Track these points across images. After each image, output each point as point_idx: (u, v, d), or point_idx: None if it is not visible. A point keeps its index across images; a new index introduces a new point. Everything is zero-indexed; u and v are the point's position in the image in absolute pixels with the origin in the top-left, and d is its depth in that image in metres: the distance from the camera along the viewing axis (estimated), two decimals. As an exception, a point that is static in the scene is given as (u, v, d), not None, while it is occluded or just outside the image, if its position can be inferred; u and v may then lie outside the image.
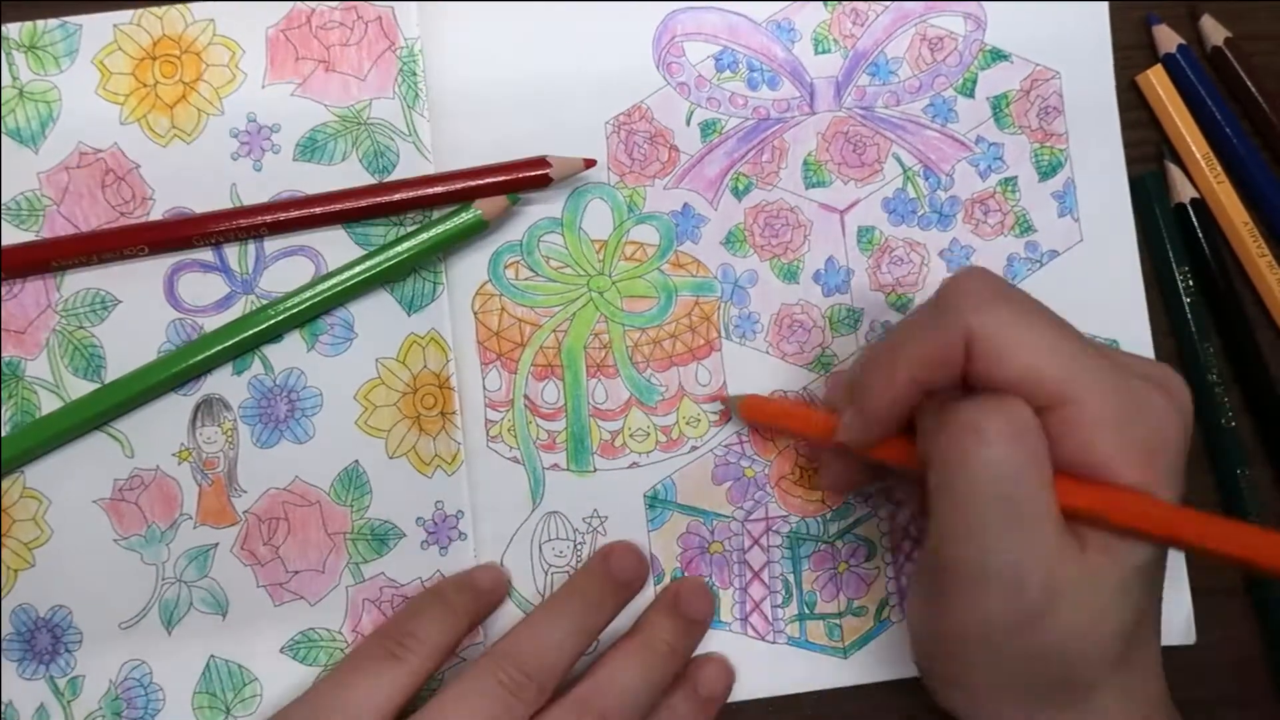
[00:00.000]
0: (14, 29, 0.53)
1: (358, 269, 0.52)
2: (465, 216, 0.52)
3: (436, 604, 0.49)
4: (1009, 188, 0.55)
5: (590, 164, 0.52)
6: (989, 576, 0.39)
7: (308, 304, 0.51)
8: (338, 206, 0.52)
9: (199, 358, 0.51)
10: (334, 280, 0.52)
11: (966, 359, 0.40)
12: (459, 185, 0.52)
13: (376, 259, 0.52)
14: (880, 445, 0.44)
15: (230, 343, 0.51)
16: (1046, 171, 0.55)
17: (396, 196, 0.52)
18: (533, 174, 0.52)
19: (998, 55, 0.55)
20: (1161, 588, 0.43)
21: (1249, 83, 0.55)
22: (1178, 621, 0.54)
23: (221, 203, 0.53)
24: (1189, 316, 0.55)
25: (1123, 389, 0.39)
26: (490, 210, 0.52)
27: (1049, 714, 0.42)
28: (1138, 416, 0.38)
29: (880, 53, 0.55)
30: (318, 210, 0.52)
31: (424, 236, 0.52)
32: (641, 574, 0.51)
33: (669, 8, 0.54)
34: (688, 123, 0.54)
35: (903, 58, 0.55)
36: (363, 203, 0.52)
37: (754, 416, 0.52)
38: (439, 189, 0.52)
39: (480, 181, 0.52)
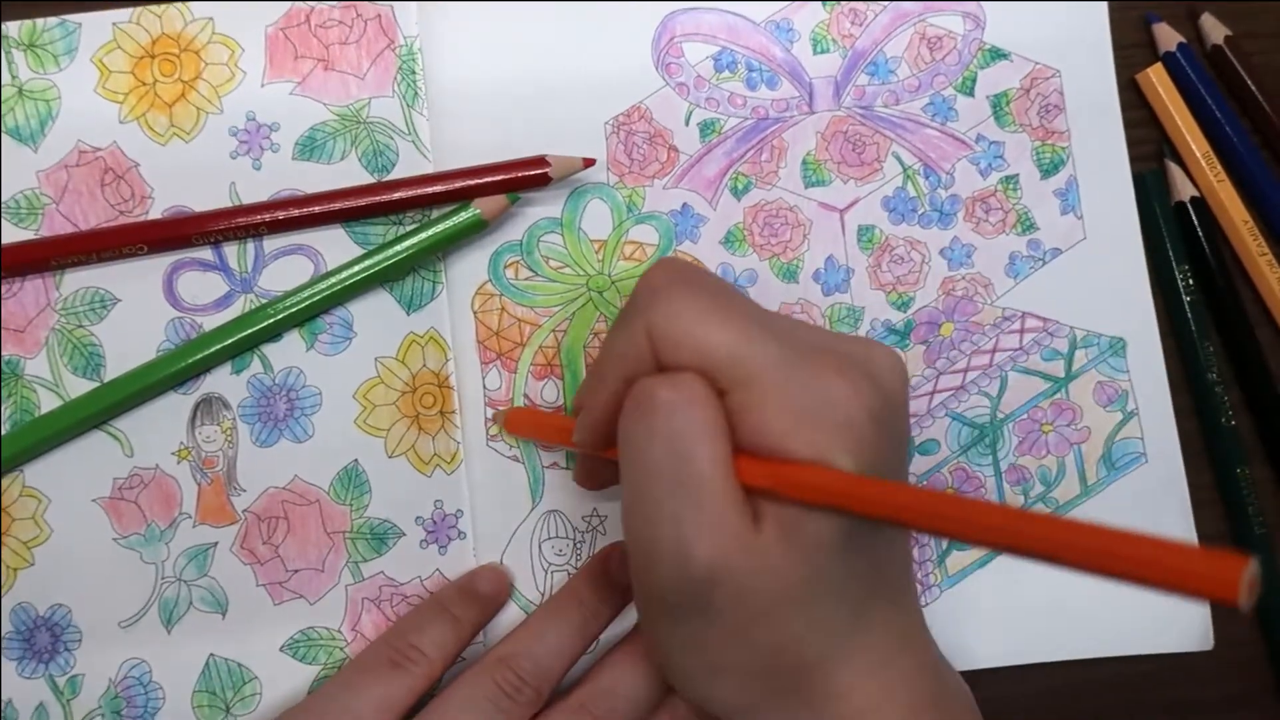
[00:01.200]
0: (13, 27, 0.53)
1: (357, 268, 0.51)
2: (464, 215, 0.51)
3: (440, 614, 0.49)
4: (1010, 186, 0.55)
5: (589, 163, 0.52)
6: (656, 547, 0.39)
7: (307, 303, 0.51)
8: (337, 205, 0.52)
9: (198, 356, 0.51)
10: (333, 279, 0.51)
11: (655, 352, 0.40)
12: (458, 184, 0.52)
13: (375, 258, 0.51)
14: (610, 447, 0.43)
15: (229, 341, 0.51)
16: (1048, 169, 0.55)
17: (396, 195, 0.52)
18: (532, 173, 0.52)
19: (997, 54, 0.55)
20: (894, 553, 0.42)
21: (1249, 81, 0.55)
22: (1196, 627, 0.53)
23: (221, 201, 0.53)
24: (1189, 315, 0.55)
25: (794, 368, 0.38)
26: (489, 209, 0.52)
27: (775, 699, 0.41)
28: (809, 396, 0.38)
29: (879, 52, 0.55)
30: (317, 209, 0.52)
31: (423, 235, 0.51)
32: None
33: (668, 8, 0.54)
34: (687, 123, 0.54)
35: (902, 57, 0.55)
36: (362, 201, 0.52)
37: (517, 431, 0.52)
38: (438, 188, 0.52)
39: (479, 181, 0.52)
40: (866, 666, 0.40)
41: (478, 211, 0.51)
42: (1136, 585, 0.30)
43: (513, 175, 0.52)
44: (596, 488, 0.52)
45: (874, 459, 0.38)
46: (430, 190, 0.52)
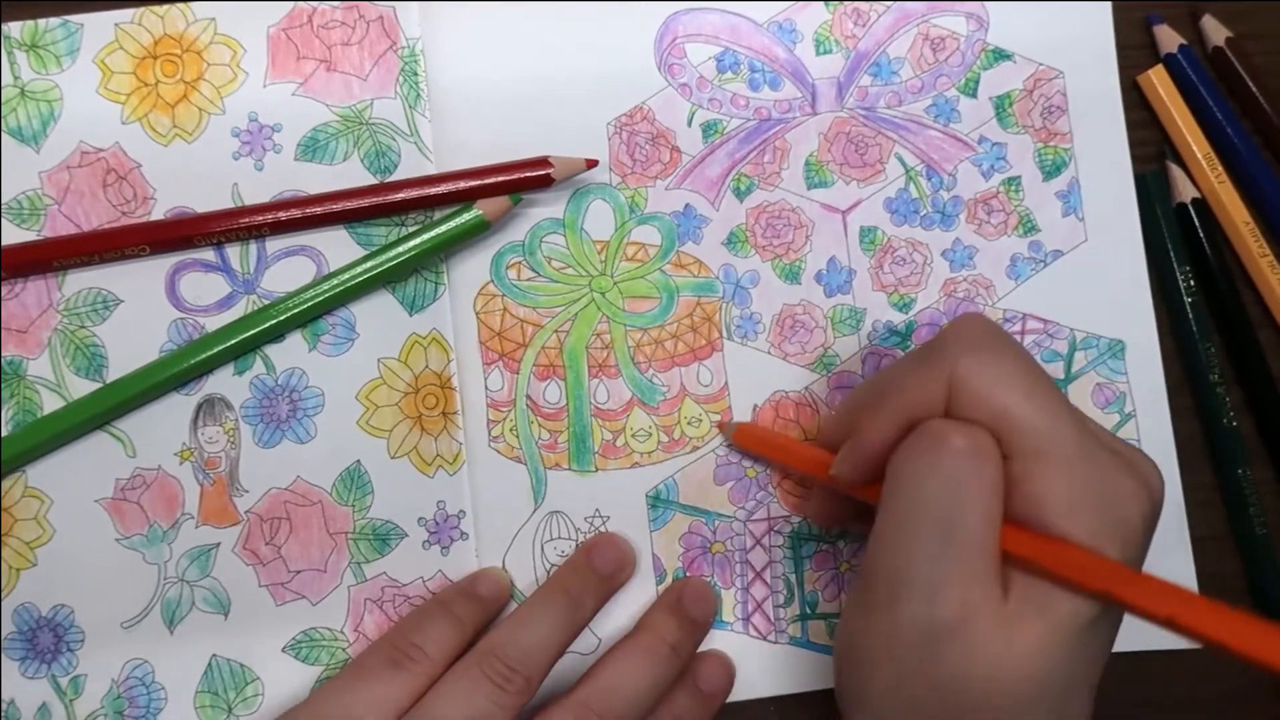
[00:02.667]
0: (15, 28, 0.53)
1: (359, 269, 0.51)
2: (467, 217, 0.51)
3: (441, 615, 0.49)
4: (1012, 187, 0.54)
5: (592, 164, 0.52)
6: (905, 584, 0.39)
7: (309, 304, 0.51)
8: (340, 206, 0.51)
9: (200, 357, 0.51)
10: (336, 280, 0.51)
11: (949, 400, 0.40)
12: (461, 185, 0.51)
13: (378, 259, 0.51)
14: (871, 484, 0.43)
15: (232, 342, 0.51)
16: (1050, 171, 0.55)
17: (398, 196, 0.51)
18: (535, 174, 0.52)
19: (1000, 55, 0.55)
20: (1103, 657, 0.42)
21: (1250, 83, 0.55)
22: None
23: (223, 202, 0.53)
24: (1190, 316, 0.55)
25: (1089, 456, 0.39)
26: (492, 211, 0.51)
27: None
28: (1099, 485, 0.38)
29: (882, 53, 0.55)
30: (319, 210, 0.51)
31: (425, 237, 0.51)
32: (626, 566, 0.51)
33: (670, 9, 0.54)
34: (689, 124, 0.54)
35: (905, 58, 0.55)
36: (365, 202, 0.51)
37: (746, 445, 0.52)
38: (441, 189, 0.51)
39: (482, 182, 0.51)
40: None
41: (480, 213, 0.51)
42: None
43: (515, 176, 0.52)
44: (828, 526, 0.52)
45: (1137, 559, 0.39)
46: (433, 191, 0.51)
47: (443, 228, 0.51)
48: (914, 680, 0.40)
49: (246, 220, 0.51)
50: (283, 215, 0.51)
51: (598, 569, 0.50)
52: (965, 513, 0.38)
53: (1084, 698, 0.41)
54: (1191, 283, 0.55)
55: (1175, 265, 0.55)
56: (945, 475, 0.38)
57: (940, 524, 0.38)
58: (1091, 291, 0.54)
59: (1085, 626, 0.38)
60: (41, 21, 0.53)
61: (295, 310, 0.51)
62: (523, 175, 0.52)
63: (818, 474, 0.47)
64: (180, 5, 0.53)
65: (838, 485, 0.45)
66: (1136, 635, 0.51)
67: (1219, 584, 0.54)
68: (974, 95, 0.55)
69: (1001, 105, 0.55)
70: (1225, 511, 0.55)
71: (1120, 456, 0.40)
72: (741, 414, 0.53)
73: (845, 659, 0.43)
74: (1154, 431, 0.54)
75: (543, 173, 0.52)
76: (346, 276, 0.51)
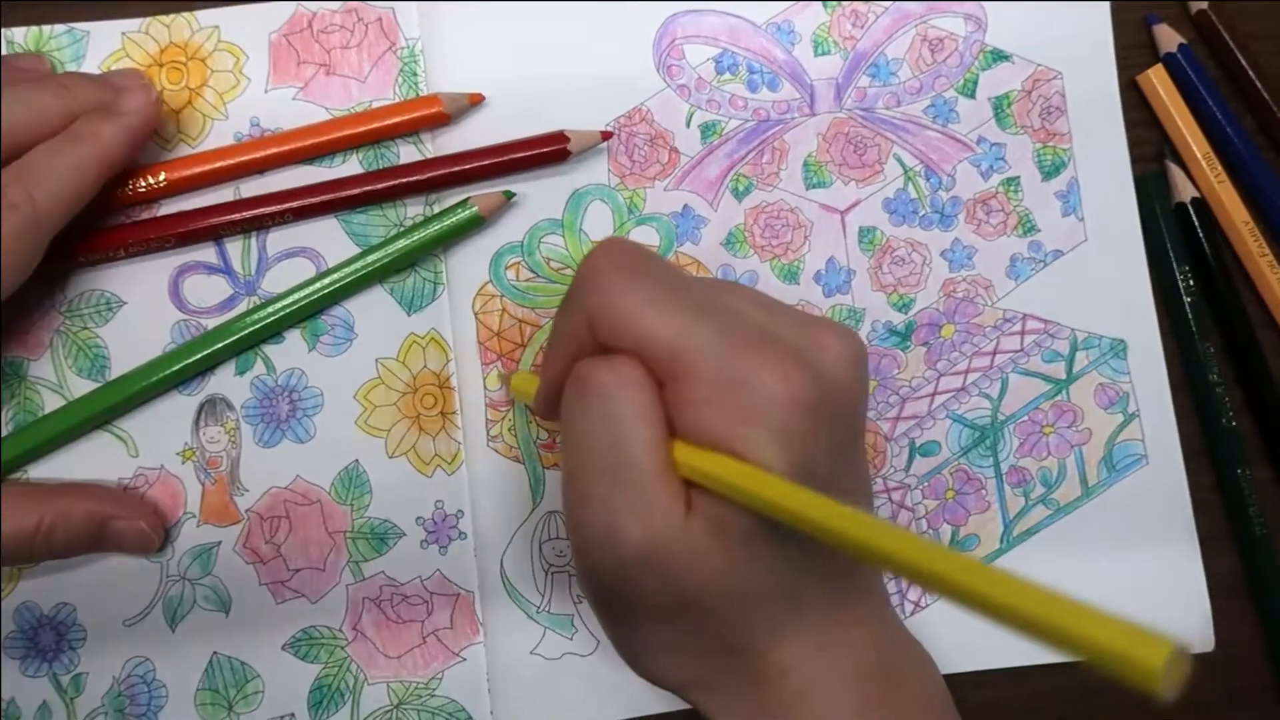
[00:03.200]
0: (20, 33, 0.53)
1: (355, 265, 0.51)
2: (462, 212, 0.51)
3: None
4: (1011, 187, 0.54)
5: (607, 136, 0.52)
6: (589, 527, 0.39)
7: (306, 301, 0.51)
8: (352, 191, 0.51)
9: (199, 355, 0.51)
10: (332, 277, 0.51)
11: (595, 334, 0.40)
12: (481, 163, 0.52)
13: (374, 255, 0.51)
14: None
15: (230, 340, 0.51)
16: (1049, 171, 0.54)
17: (417, 178, 0.52)
18: (551, 149, 0.52)
19: (999, 56, 0.55)
20: (807, 563, 0.40)
21: (1247, 67, 0.55)
22: (1196, 629, 0.53)
23: (225, 204, 0.53)
24: (1189, 316, 0.54)
25: (726, 359, 0.37)
26: (486, 206, 0.51)
27: (724, 675, 0.41)
28: (739, 386, 0.37)
29: (880, 54, 0.55)
30: (329, 196, 0.51)
31: (421, 233, 0.51)
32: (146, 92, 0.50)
33: (669, 10, 0.54)
34: (688, 124, 0.54)
35: (903, 59, 0.55)
36: (381, 185, 0.52)
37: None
38: (458, 167, 0.52)
39: (501, 159, 0.52)
40: (806, 648, 0.40)
41: (475, 208, 0.51)
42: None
43: (533, 152, 0.52)
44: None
45: (809, 452, 0.37)
46: (452, 170, 0.52)
47: (438, 224, 0.51)
48: (650, 627, 0.40)
49: (257, 210, 0.52)
50: (295, 204, 0.52)
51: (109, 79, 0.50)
52: (625, 447, 0.38)
53: (830, 578, 0.41)
54: (1191, 282, 0.55)
55: (1175, 265, 0.55)
56: (596, 414, 0.38)
57: (606, 465, 0.38)
58: (1092, 291, 0.54)
59: (768, 532, 0.38)
60: (46, 28, 0.53)
61: (293, 307, 0.51)
62: (540, 150, 0.52)
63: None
64: (185, 14, 0.53)
65: (543, 421, 0.47)
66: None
67: (1219, 584, 0.54)
68: (972, 96, 0.55)
69: (1000, 106, 0.55)
70: (1225, 511, 0.55)
71: (770, 350, 0.38)
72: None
73: (595, 613, 0.44)
74: (1159, 431, 0.54)
75: (559, 147, 0.52)
76: (343, 273, 0.51)
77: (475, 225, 0.52)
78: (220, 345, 0.51)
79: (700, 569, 0.38)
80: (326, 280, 0.51)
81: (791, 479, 0.36)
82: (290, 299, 0.51)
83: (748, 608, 0.39)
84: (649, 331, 0.38)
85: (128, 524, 0.50)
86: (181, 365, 0.51)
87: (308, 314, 0.52)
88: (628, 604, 0.40)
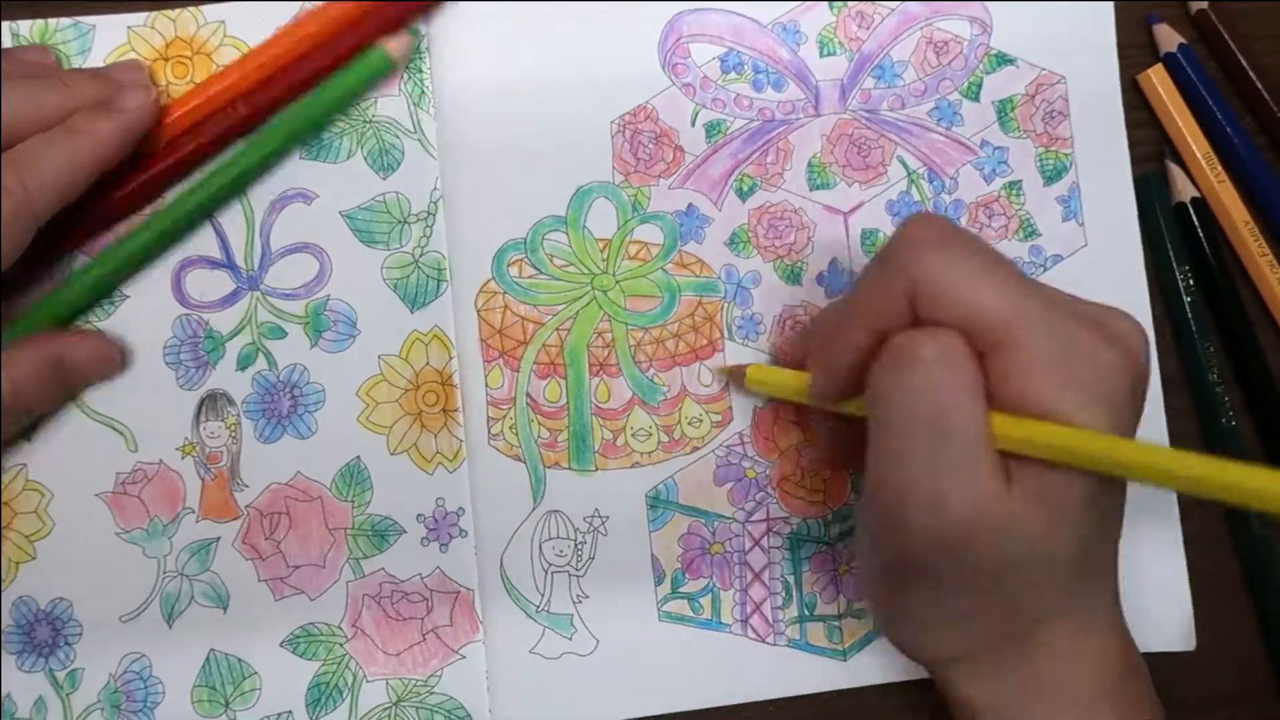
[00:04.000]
0: (25, 26, 0.52)
1: (272, 123, 0.51)
2: (371, 57, 0.51)
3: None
4: (1013, 191, 0.54)
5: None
6: (910, 496, 0.39)
7: (233, 169, 0.51)
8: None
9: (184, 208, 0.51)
10: (251, 141, 0.51)
11: (914, 307, 0.39)
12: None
13: (286, 114, 0.51)
14: (851, 398, 0.43)
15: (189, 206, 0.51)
16: (1051, 176, 0.54)
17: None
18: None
19: (1003, 59, 0.55)
20: (1115, 525, 0.42)
21: (1233, 46, 0.55)
22: (1178, 628, 0.53)
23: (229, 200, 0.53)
24: (1189, 316, 0.54)
25: (1059, 330, 0.38)
26: (395, 48, 0.51)
27: (992, 652, 0.42)
28: (1073, 355, 0.38)
29: (885, 56, 0.54)
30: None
31: (331, 83, 0.51)
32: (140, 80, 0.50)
33: (675, 9, 0.54)
34: (693, 123, 0.54)
35: (908, 61, 0.54)
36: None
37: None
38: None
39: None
40: (1071, 630, 0.42)
41: (382, 49, 0.50)
42: None
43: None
44: (837, 463, 0.53)
45: (1129, 422, 0.39)
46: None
47: (348, 73, 0.51)
48: (945, 589, 0.41)
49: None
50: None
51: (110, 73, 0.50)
52: (950, 419, 0.38)
53: (1104, 563, 0.43)
54: (1191, 282, 0.54)
55: (1175, 265, 0.54)
56: (922, 388, 0.38)
57: (929, 436, 0.38)
58: (1090, 296, 0.53)
59: (1088, 503, 0.38)
60: (52, 21, 0.52)
61: (223, 176, 0.51)
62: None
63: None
64: (191, 9, 0.53)
65: (819, 404, 0.45)
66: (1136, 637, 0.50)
67: (1218, 584, 0.53)
68: (976, 99, 0.54)
69: (1003, 109, 0.54)
70: (1223, 511, 0.55)
71: (1097, 325, 0.39)
72: (742, 415, 0.53)
73: (874, 586, 0.44)
74: (1149, 435, 0.53)
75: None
76: (264, 134, 0.51)
77: (385, 70, 0.51)
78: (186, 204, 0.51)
79: (1018, 536, 0.38)
80: (249, 145, 0.51)
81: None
82: (218, 167, 0.51)
83: (1048, 579, 0.40)
84: (981, 301, 0.38)
85: (81, 348, 0.50)
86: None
87: (243, 182, 0.52)
88: (935, 572, 0.40)
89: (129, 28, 0.53)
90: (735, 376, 0.52)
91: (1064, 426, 0.37)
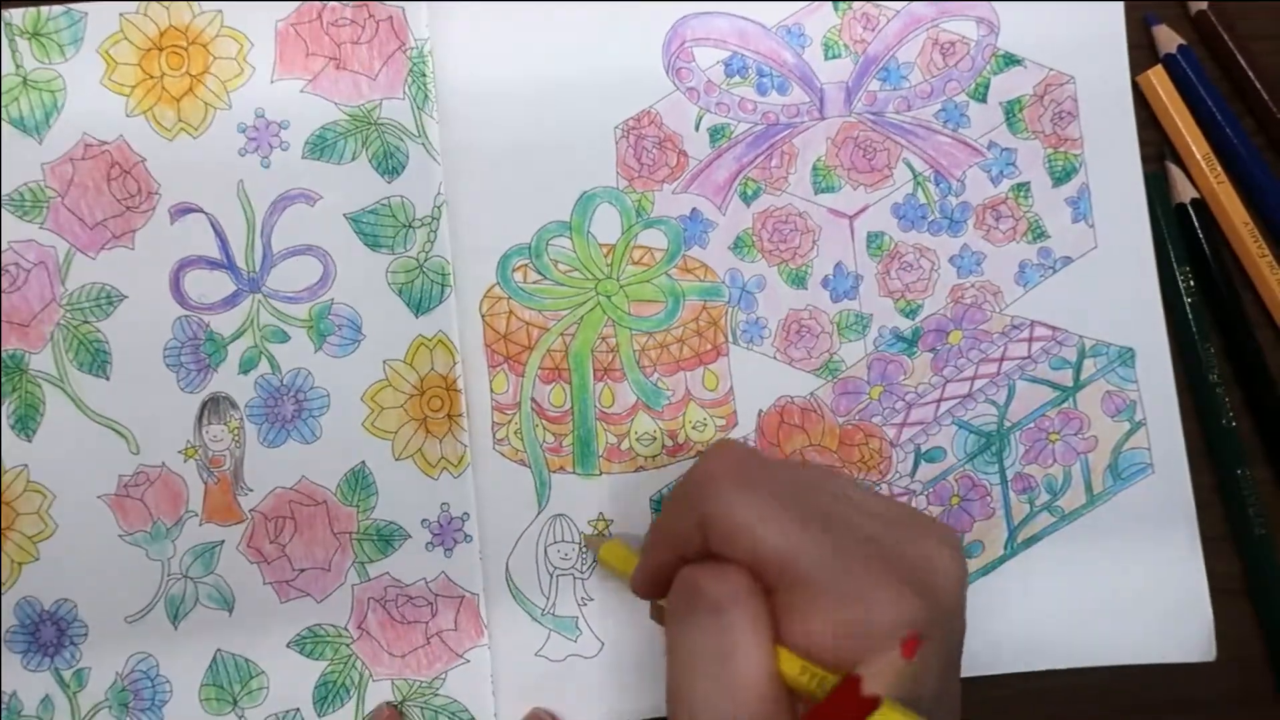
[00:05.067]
0: (17, 14, 0.51)
1: None
2: None
3: None
4: (1022, 193, 0.54)
5: None
6: (700, 716, 0.38)
7: None
8: None
9: None
10: None
11: (705, 539, 0.40)
12: None
13: None
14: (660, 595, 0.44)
15: None
16: (1060, 177, 0.54)
17: None
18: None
19: (1011, 60, 0.54)
20: None
21: (1233, 46, 0.54)
22: (1199, 638, 0.53)
23: (228, 199, 0.52)
24: (1190, 316, 0.54)
25: (840, 573, 0.37)
26: None
27: None
28: (854, 605, 0.37)
29: (891, 58, 0.53)
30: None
31: None
32: None
33: (679, 11, 0.53)
34: (697, 128, 0.53)
35: (914, 63, 0.54)
36: None
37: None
38: None
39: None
40: None
41: None
42: None
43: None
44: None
45: (919, 679, 0.37)
46: None
47: None
48: None
49: None
50: None
51: None
52: (735, 661, 0.37)
53: None
54: (1191, 283, 0.54)
55: (1175, 266, 0.54)
56: (707, 626, 0.38)
57: (714, 673, 0.38)
58: (1101, 298, 0.53)
59: None
60: (44, 9, 0.51)
61: None
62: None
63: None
64: (187, -1, 0.52)
65: (640, 597, 0.46)
66: (1140, 649, 0.51)
67: (1218, 584, 0.53)
68: (984, 100, 0.54)
69: (1011, 110, 0.54)
70: (1224, 511, 0.54)
71: (883, 567, 0.38)
72: (746, 419, 0.53)
73: None
74: (1165, 440, 0.53)
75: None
76: None
77: None
78: None
79: None
80: None
81: (898, 701, 0.36)
82: None
83: None
84: (764, 544, 0.38)
85: None
86: None
87: None
88: None
89: (121, 15, 0.52)
90: (593, 546, 0.52)
91: (835, 677, 0.37)
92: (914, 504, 0.53)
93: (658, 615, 0.49)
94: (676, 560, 0.41)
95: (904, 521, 0.41)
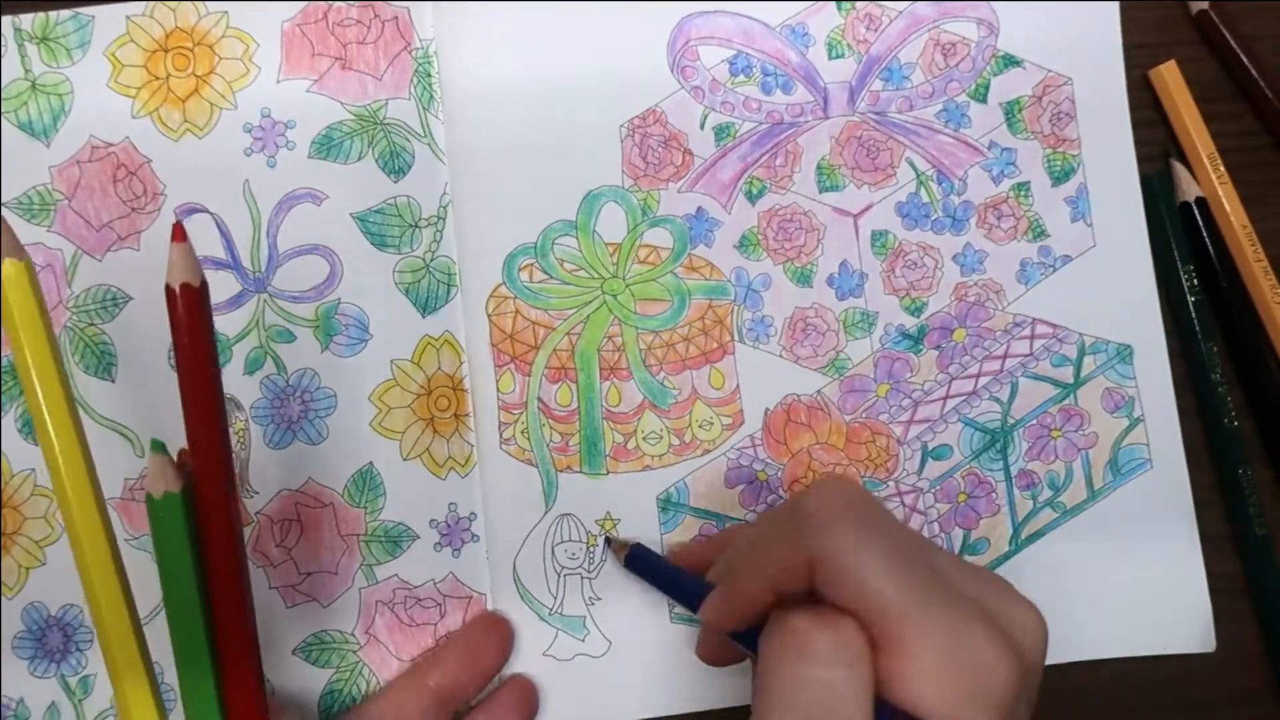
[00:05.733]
0: (26, 19, 0.51)
1: None
2: None
3: None
4: (1022, 192, 0.54)
5: None
6: None
7: None
8: None
9: None
10: None
11: (812, 573, 0.38)
12: None
13: None
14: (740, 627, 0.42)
15: None
16: (1059, 177, 0.54)
17: None
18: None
19: (1010, 61, 0.54)
20: None
21: (1235, 46, 0.54)
22: (1198, 629, 0.53)
23: (234, 199, 0.51)
24: (1193, 315, 0.54)
25: (951, 630, 0.37)
26: None
27: None
28: (962, 660, 0.36)
29: (894, 58, 0.53)
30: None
31: None
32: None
33: (683, 12, 0.53)
34: (702, 127, 0.53)
35: (916, 63, 0.53)
36: None
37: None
38: None
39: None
40: None
41: None
42: None
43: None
44: (715, 664, 0.50)
45: None
46: None
47: None
48: None
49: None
50: None
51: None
52: (839, 714, 0.36)
53: None
54: (1195, 282, 0.54)
55: (1179, 264, 0.54)
56: (816, 681, 0.36)
57: None
58: (1100, 296, 0.53)
59: None
60: (52, 13, 0.51)
61: None
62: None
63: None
64: (193, 0, 0.52)
65: (708, 624, 0.44)
66: (1139, 641, 0.51)
67: (1218, 584, 0.53)
68: (984, 101, 0.54)
69: (1011, 111, 0.54)
70: (1225, 511, 0.54)
71: (982, 622, 0.38)
72: (753, 417, 0.52)
73: None
74: (1163, 435, 0.53)
75: None
76: None
77: None
78: None
79: None
80: None
81: None
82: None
83: None
84: (880, 589, 0.37)
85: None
86: None
87: None
88: None
89: (128, 17, 0.52)
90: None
91: None
92: (921, 502, 0.52)
93: (710, 653, 0.48)
94: (771, 593, 0.40)
95: (991, 581, 0.40)
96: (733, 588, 0.42)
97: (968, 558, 0.52)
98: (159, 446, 0.41)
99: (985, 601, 0.39)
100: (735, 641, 0.43)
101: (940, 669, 0.36)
